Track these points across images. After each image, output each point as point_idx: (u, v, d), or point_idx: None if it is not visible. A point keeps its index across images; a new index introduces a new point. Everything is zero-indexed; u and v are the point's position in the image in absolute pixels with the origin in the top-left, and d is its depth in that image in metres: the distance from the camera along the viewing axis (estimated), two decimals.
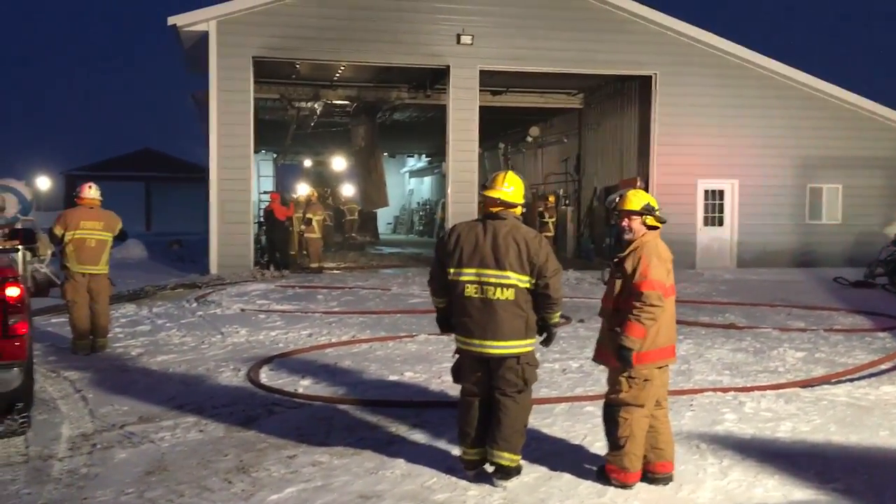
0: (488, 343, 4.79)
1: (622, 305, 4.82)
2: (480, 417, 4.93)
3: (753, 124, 19.25)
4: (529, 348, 4.88)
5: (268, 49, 17.32)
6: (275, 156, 39.59)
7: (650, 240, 4.91)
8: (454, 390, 7.40)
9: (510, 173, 5.01)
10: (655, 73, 18.85)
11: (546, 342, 5.05)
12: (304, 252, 20.32)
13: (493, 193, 4.92)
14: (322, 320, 11.28)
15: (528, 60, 18.40)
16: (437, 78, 20.43)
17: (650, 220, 4.92)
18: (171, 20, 16.66)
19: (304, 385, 7.63)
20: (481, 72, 18.25)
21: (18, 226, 12.22)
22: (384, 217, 36.99)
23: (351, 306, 12.73)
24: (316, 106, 23.25)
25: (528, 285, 4.81)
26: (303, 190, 27.20)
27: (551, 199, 22.16)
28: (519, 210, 4.96)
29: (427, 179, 43.71)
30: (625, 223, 4.92)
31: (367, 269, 19.59)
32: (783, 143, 19.40)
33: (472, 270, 4.82)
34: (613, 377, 4.96)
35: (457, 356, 5.09)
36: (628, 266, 4.83)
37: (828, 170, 19.63)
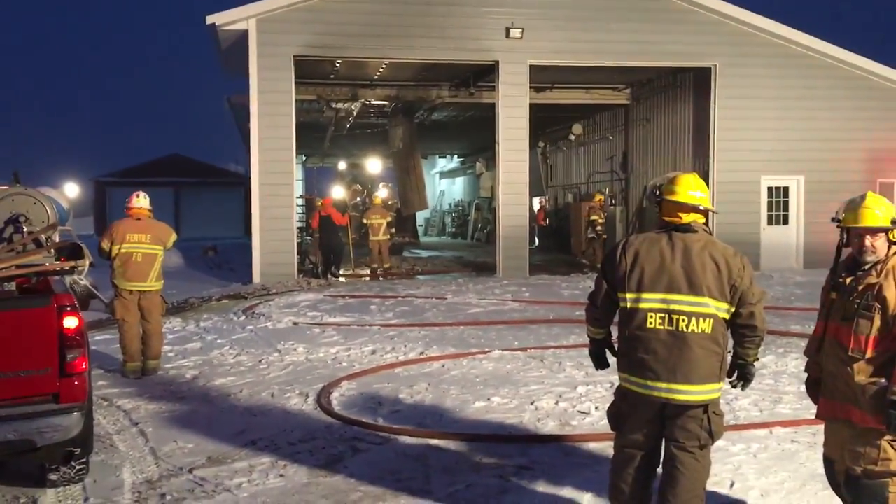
0: (677, 387, 3.90)
1: (880, 347, 3.79)
2: (642, 475, 4.08)
3: (820, 116, 18.21)
4: (719, 394, 4.03)
5: (309, 47, 16.57)
6: (304, 159, 39.00)
7: None
8: (554, 420, 6.60)
9: (695, 175, 4.19)
10: (715, 65, 17.90)
11: (744, 384, 4.15)
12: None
13: (685, 198, 4.05)
14: (382, 334, 10.61)
15: (580, 54, 17.52)
16: (480, 75, 19.63)
17: (893, 235, 3.91)
18: (210, 19, 15.95)
19: (384, 414, 6.87)
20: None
21: (56, 238, 11.58)
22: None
23: (409, 318, 12.03)
24: (353, 107, 22.51)
25: (726, 315, 3.94)
26: (337, 193, 26.53)
27: (599, 197, 21.09)
28: (703, 220, 4.11)
29: (459, 180, 42.97)
30: (867, 243, 3.90)
31: (411, 275, 19.01)
32: (851, 136, 18.35)
33: (658, 296, 3.95)
34: (868, 442, 3.85)
35: (617, 397, 4.22)
36: (890, 297, 3.79)
37: None
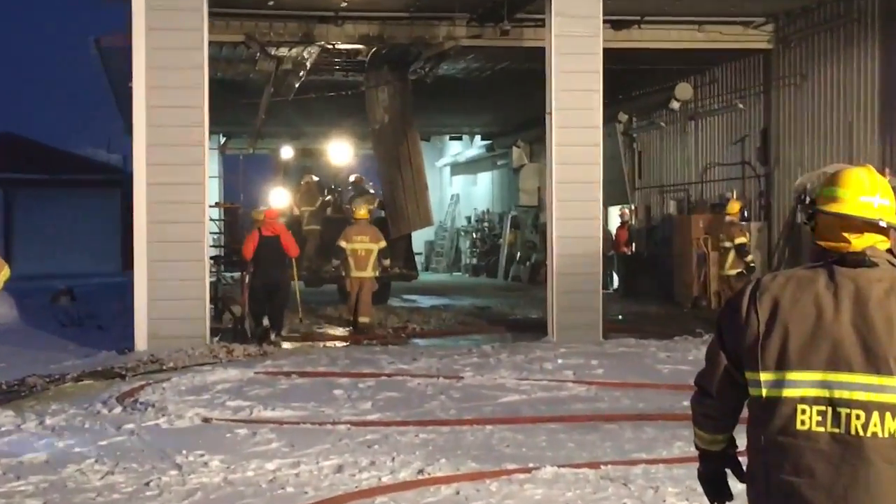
0: None
1: None
2: None
3: None
4: None
5: None
6: (223, 141, 39.34)
7: None
8: None
9: (871, 170, 4.15)
10: None
11: None
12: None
13: (854, 209, 4.03)
14: (354, 438, 10.77)
15: None
16: (516, 4, 19.83)
17: None
18: None
19: None
20: None
21: None
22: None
23: (400, 411, 12.21)
24: (306, 54, 22.85)
25: None
26: (280, 199, 26.64)
27: (736, 205, 21.32)
28: (887, 244, 4.08)
29: (483, 178, 43.48)
30: None
31: (403, 338, 19.39)
32: None
33: (815, 376, 3.94)
34: None
35: None
36: None
37: None
